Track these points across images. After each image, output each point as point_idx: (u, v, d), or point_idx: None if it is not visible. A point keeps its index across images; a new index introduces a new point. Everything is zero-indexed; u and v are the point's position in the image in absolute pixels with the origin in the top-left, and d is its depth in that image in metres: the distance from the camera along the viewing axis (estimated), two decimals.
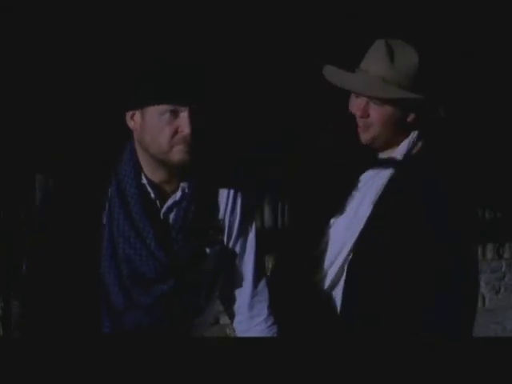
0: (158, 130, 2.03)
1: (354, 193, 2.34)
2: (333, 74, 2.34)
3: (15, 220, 3.81)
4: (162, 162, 2.07)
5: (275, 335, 2.26)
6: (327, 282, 2.33)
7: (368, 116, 2.28)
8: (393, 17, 4.18)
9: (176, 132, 2.02)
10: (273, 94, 4.20)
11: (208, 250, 2.15)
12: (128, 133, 2.13)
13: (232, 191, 2.19)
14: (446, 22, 4.43)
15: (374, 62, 2.28)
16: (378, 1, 4.25)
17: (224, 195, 2.19)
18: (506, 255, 5.39)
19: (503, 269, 5.37)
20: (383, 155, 2.34)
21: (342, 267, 2.30)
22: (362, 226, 2.27)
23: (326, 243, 2.34)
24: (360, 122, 2.29)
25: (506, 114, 5.02)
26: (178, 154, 2.03)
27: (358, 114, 2.28)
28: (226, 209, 2.19)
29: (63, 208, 2.12)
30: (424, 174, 2.26)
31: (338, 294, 2.32)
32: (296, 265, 2.40)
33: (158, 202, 2.11)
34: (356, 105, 2.29)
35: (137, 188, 2.09)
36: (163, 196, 2.12)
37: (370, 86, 2.25)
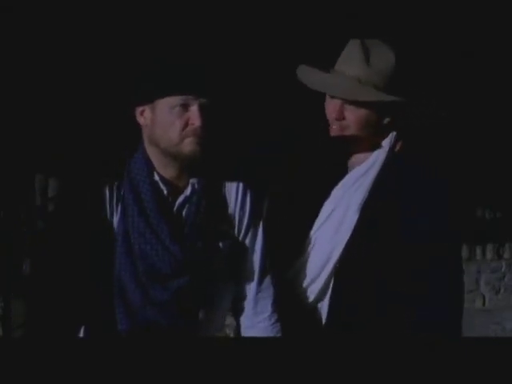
0: (169, 123, 2.07)
1: (340, 197, 2.31)
2: (306, 75, 2.29)
3: (15, 220, 3.81)
4: (172, 156, 2.10)
5: (279, 333, 2.27)
6: (317, 286, 2.30)
7: (344, 118, 2.23)
8: (377, 17, 4.19)
9: (186, 124, 2.07)
10: (273, 94, 4.21)
11: (221, 245, 2.18)
12: (137, 131, 2.15)
13: (241, 187, 2.22)
14: (431, 22, 4.43)
15: (349, 62, 2.23)
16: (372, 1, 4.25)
17: (233, 190, 2.22)
18: (506, 255, 5.40)
19: (503, 269, 5.38)
20: (362, 157, 2.30)
21: (331, 272, 2.27)
22: (350, 231, 2.24)
23: (313, 248, 2.31)
24: (335, 124, 2.24)
25: (504, 114, 5.02)
26: (188, 145, 2.07)
27: (333, 115, 2.24)
28: (235, 204, 2.22)
29: (74, 206, 2.13)
30: (405, 174, 2.23)
31: (327, 298, 2.31)
32: (287, 266, 2.39)
33: (170, 198, 2.14)
34: (331, 106, 2.25)
35: (150, 185, 2.12)
36: (175, 192, 2.15)
37: (345, 88, 2.21)
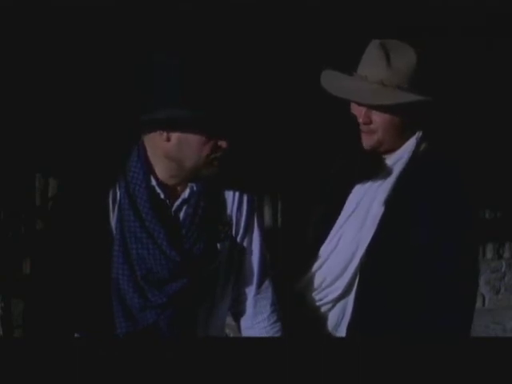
0: (200, 144, 2.05)
1: (363, 194, 2.32)
2: (329, 81, 2.29)
3: (15, 220, 3.81)
4: (191, 173, 2.08)
5: (278, 333, 2.27)
6: (343, 283, 2.31)
7: (371, 122, 2.24)
8: (392, 16, 4.19)
9: (216, 147, 2.05)
10: (274, 96, 4.21)
11: (219, 246, 2.17)
12: (133, 134, 2.12)
13: (238, 188, 2.21)
14: (445, 21, 4.43)
15: (370, 65, 2.23)
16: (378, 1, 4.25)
17: (230, 191, 2.21)
18: (506, 255, 5.40)
19: (503, 269, 5.38)
20: (389, 156, 2.31)
21: (356, 268, 2.29)
22: (374, 227, 2.26)
23: (337, 245, 2.33)
24: (363, 127, 2.26)
25: (505, 113, 5.02)
26: (214, 167, 2.08)
27: (360, 120, 2.25)
28: (232, 204, 2.21)
29: (71, 210, 2.12)
30: (430, 172, 2.25)
31: (352, 294, 2.31)
32: (303, 266, 2.40)
33: (167, 201, 2.12)
34: (357, 111, 2.26)
35: (146, 189, 2.10)
36: (173, 196, 2.14)
37: (369, 93, 2.21)
